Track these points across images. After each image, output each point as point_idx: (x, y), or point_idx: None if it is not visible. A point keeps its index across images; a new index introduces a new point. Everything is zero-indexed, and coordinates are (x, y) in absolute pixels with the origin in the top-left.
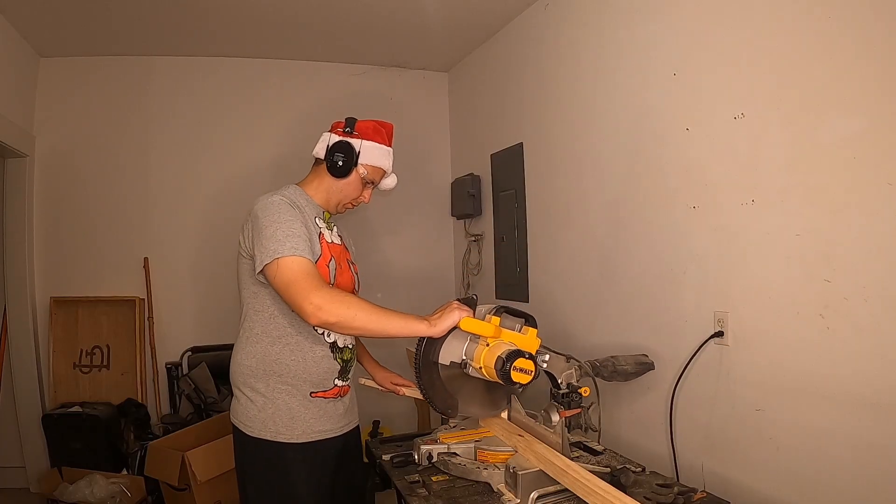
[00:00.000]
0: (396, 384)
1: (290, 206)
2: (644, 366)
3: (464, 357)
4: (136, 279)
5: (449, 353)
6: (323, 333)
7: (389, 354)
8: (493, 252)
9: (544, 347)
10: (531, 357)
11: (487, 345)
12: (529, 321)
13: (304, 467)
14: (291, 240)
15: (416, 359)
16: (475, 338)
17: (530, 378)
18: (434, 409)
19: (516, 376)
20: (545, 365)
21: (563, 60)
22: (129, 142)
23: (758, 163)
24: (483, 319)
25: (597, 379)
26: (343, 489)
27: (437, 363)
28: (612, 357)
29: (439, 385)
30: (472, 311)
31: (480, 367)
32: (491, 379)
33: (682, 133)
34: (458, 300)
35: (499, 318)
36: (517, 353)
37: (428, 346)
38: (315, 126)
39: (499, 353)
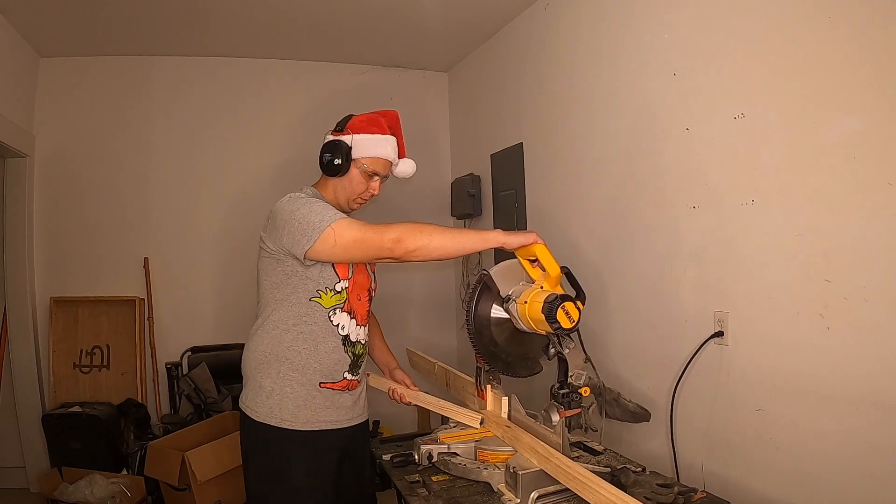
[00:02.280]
0: (401, 382)
1: (312, 195)
2: (643, 413)
3: (510, 293)
4: (136, 279)
5: (502, 283)
6: (337, 326)
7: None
8: (494, 252)
9: (578, 333)
10: (579, 311)
11: (542, 288)
12: (580, 296)
13: (304, 456)
14: (329, 210)
15: (468, 321)
16: (528, 283)
17: (571, 326)
18: (520, 377)
19: (561, 316)
20: (567, 351)
21: (563, 60)
22: (129, 142)
23: (758, 163)
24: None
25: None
26: (349, 483)
27: (494, 297)
28: (618, 390)
29: (513, 358)
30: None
31: (525, 303)
32: (528, 319)
33: (682, 133)
34: (472, 289)
35: (561, 274)
36: (570, 297)
37: (485, 287)
38: (315, 126)
39: (553, 292)
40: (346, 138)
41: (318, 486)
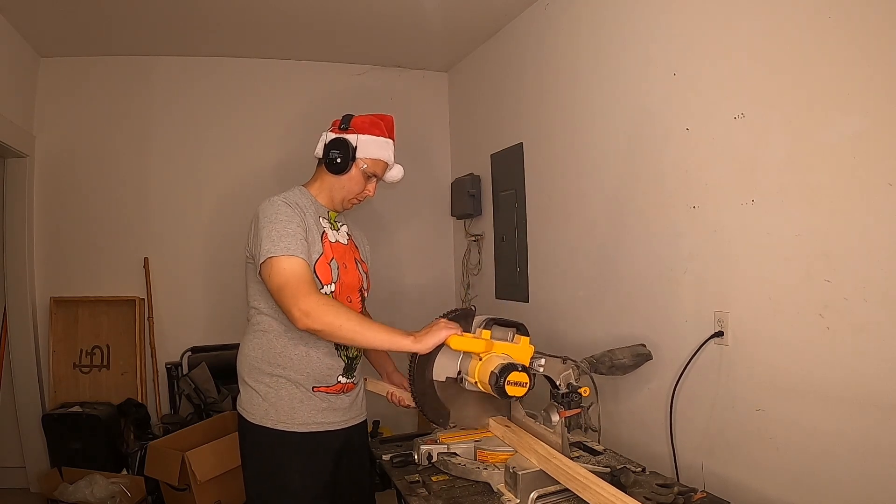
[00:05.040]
0: (398, 385)
1: (287, 205)
2: (642, 357)
3: (459, 371)
4: (136, 279)
5: (443, 369)
6: None
7: (393, 357)
8: (493, 252)
9: (538, 353)
10: (524, 369)
11: (481, 359)
12: (521, 329)
13: (300, 458)
14: (285, 239)
15: (409, 371)
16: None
17: (525, 390)
18: (426, 418)
19: (511, 390)
20: (541, 370)
21: (563, 60)
22: (129, 142)
23: (758, 163)
24: (473, 333)
25: (596, 375)
26: (346, 484)
27: (432, 379)
28: (608, 351)
29: (431, 394)
30: (460, 328)
31: (476, 382)
32: (488, 392)
33: (681, 133)
34: (451, 312)
35: (489, 332)
36: (510, 367)
37: (422, 362)
38: (315, 126)
39: (491, 369)
40: (352, 137)
41: (313, 487)
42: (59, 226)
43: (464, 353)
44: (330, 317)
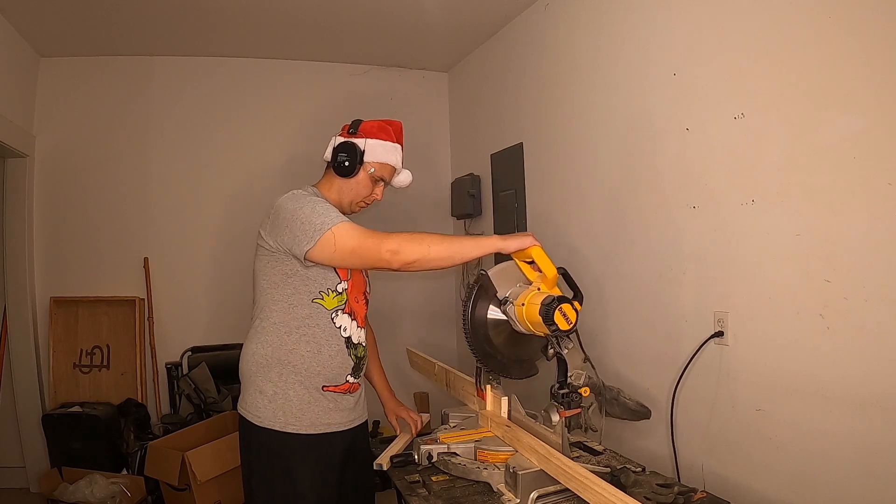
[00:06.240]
0: (400, 416)
1: (314, 194)
2: (644, 410)
3: (507, 297)
4: (136, 279)
5: (502, 289)
6: (339, 328)
7: (394, 357)
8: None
9: (576, 333)
10: (577, 311)
11: (538, 290)
12: (578, 297)
13: (309, 461)
14: (331, 212)
15: (464, 322)
16: (525, 284)
17: (569, 327)
18: (514, 378)
19: (558, 318)
20: (566, 352)
21: (563, 60)
22: (129, 142)
23: (758, 163)
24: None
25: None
26: (351, 486)
27: (491, 298)
28: (618, 387)
29: (508, 360)
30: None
31: (523, 305)
32: (526, 321)
33: (681, 133)
34: (473, 285)
35: (558, 276)
36: (567, 299)
37: (482, 289)
38: (315, 126)
39: (550, 294)
40: (360, 142)
41: (321, 488)
42: (59, 226)
43: (519, 285)
44: (417, 245)
